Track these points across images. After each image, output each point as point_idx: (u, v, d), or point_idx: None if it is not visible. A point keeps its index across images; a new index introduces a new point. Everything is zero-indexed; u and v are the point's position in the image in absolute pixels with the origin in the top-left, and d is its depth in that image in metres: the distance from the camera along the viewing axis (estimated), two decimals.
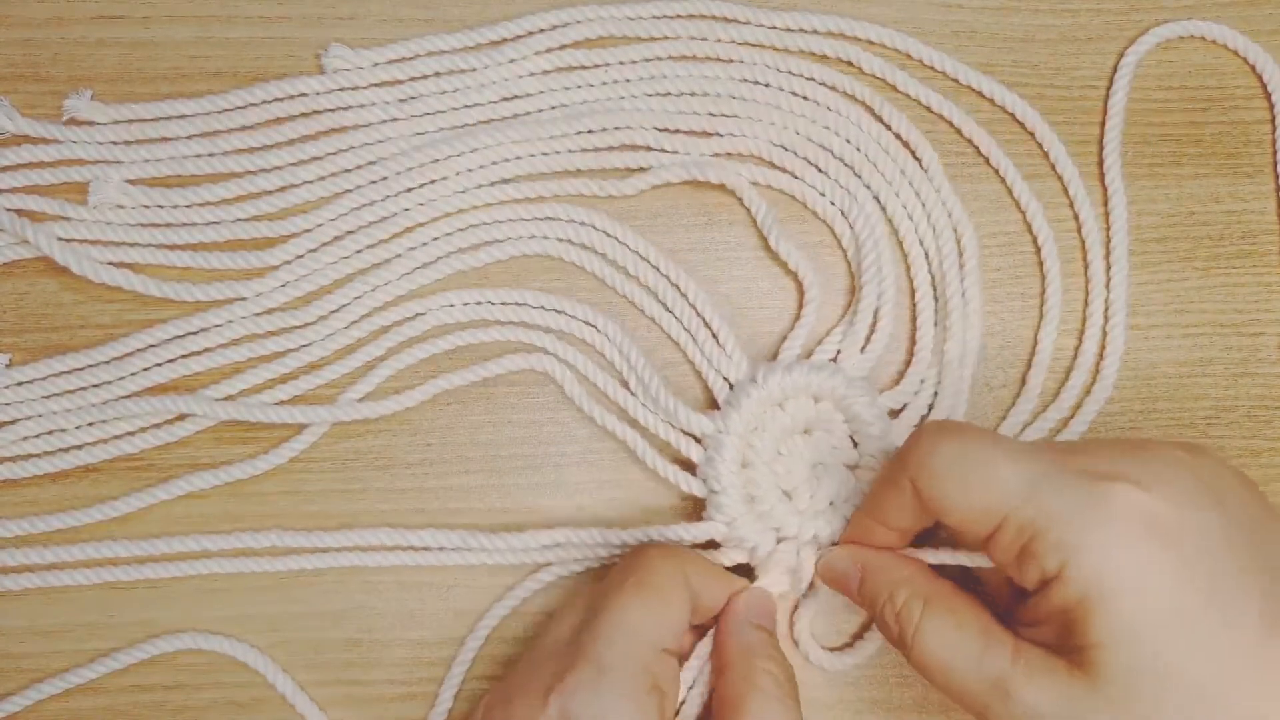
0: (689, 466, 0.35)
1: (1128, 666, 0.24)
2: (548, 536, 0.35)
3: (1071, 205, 0.37)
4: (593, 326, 0.36)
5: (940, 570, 0.31)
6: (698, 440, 0.35)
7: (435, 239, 0.37)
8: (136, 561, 0.36)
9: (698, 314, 0.36)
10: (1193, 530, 0.25)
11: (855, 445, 0.35)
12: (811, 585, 0.34)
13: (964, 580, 0.31)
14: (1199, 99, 0.38)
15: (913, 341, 0.37)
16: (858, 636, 0.36)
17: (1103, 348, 0.37)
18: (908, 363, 0.37)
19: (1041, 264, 0.37)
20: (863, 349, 0.36)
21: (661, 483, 0.36)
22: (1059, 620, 0.26)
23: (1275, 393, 0.37)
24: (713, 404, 0.36)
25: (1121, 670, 0.24)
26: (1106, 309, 0.37)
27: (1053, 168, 0.38)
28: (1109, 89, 0.38)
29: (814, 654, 0.35)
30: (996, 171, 0.37)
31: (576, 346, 0.36)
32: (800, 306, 0.37)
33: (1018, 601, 0.28)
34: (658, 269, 0.37)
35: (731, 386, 0.36)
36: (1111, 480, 0.25)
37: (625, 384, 0.36)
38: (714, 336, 0.36)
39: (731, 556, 0.34)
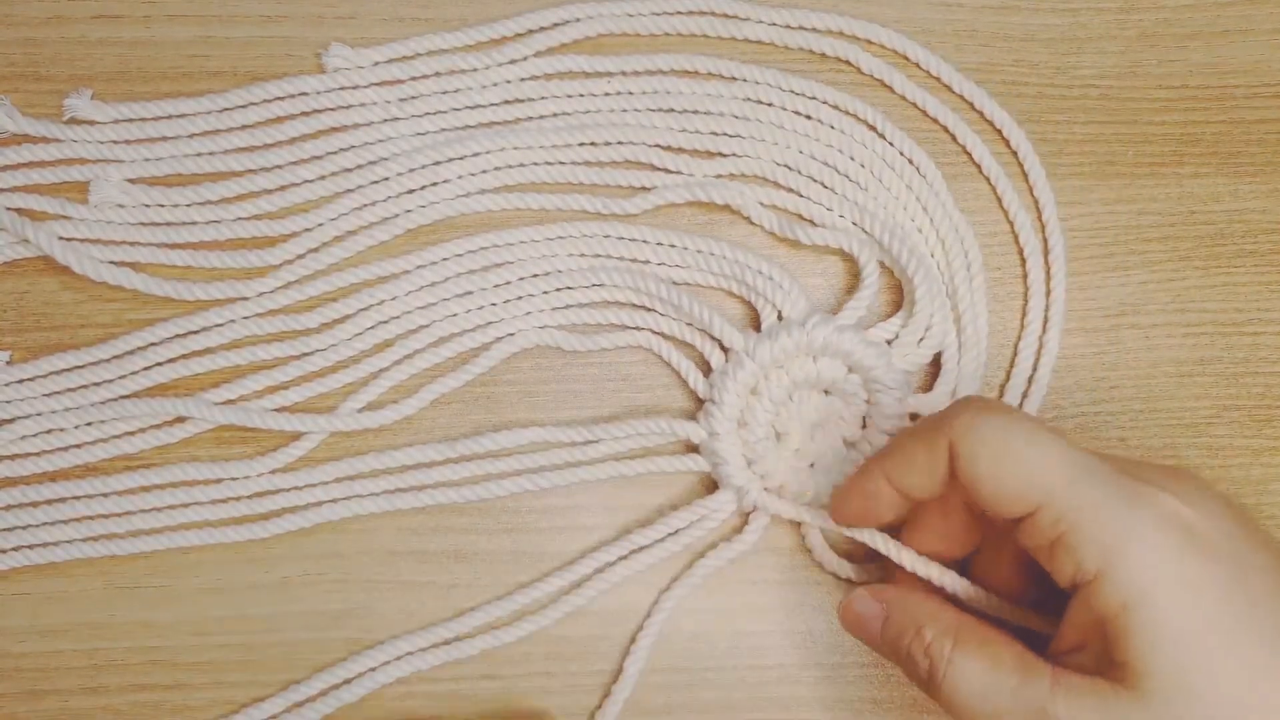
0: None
1: (1172, 677, 0.24)
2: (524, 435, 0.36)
3: (1039, 214, 0.37)
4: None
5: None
6: (724, 349, 0.36)
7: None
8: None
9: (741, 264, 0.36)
10: (1231, 549, 0.25)
11: (863, 427, 0.35)
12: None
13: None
14: (1199, 98, 0.38)
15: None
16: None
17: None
18: (933, 376, 0.37)
19: (1026, 275, 0.37)
20: (920, 342, 0.36)
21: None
22: (1097, 633, 0.25)
23: (1276, 392, 0.37)
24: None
25: (1166, 681, 0.24)
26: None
27: (1025, 177, 0.38)
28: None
29: (829, 561, 0.35)
30: (988, 179, 0.37)
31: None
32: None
33: (1049, 636, 0.28)
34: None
35: (780, 319, 0.36)
36: (1153, 487, 0.25)
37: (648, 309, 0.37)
38: (769, 276, 0.36)
39: (700, 465, 0.35)
